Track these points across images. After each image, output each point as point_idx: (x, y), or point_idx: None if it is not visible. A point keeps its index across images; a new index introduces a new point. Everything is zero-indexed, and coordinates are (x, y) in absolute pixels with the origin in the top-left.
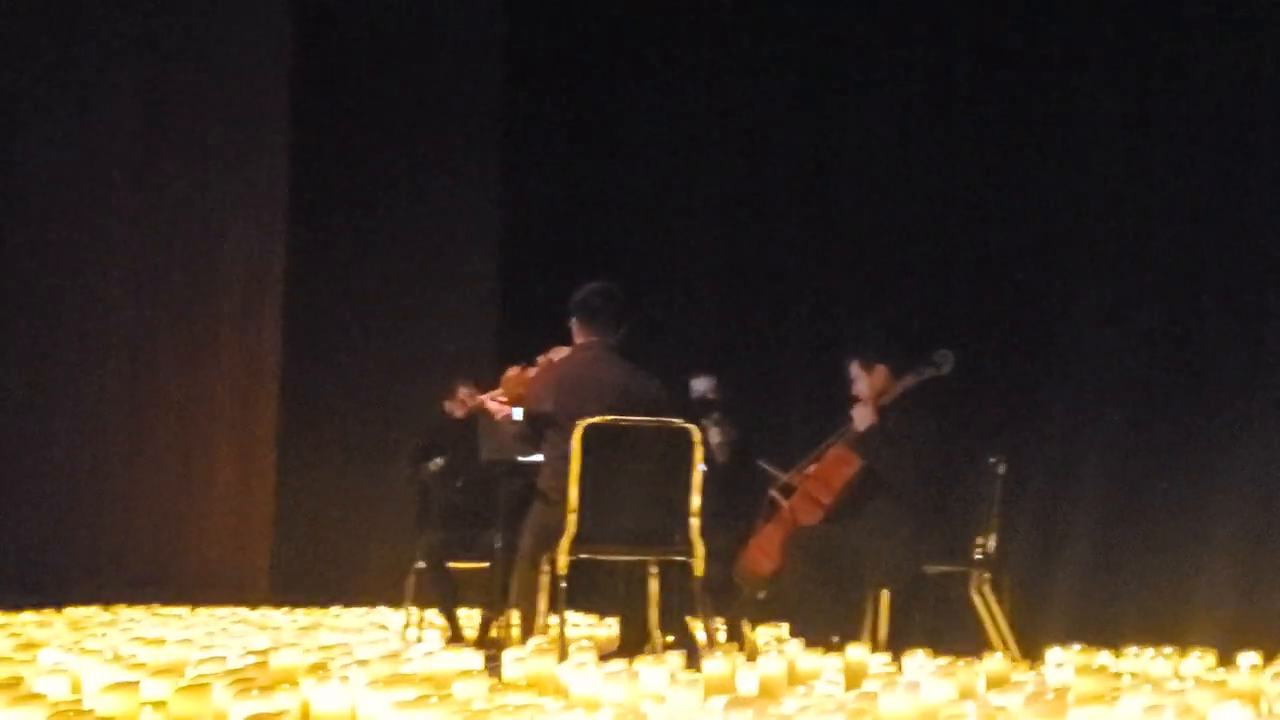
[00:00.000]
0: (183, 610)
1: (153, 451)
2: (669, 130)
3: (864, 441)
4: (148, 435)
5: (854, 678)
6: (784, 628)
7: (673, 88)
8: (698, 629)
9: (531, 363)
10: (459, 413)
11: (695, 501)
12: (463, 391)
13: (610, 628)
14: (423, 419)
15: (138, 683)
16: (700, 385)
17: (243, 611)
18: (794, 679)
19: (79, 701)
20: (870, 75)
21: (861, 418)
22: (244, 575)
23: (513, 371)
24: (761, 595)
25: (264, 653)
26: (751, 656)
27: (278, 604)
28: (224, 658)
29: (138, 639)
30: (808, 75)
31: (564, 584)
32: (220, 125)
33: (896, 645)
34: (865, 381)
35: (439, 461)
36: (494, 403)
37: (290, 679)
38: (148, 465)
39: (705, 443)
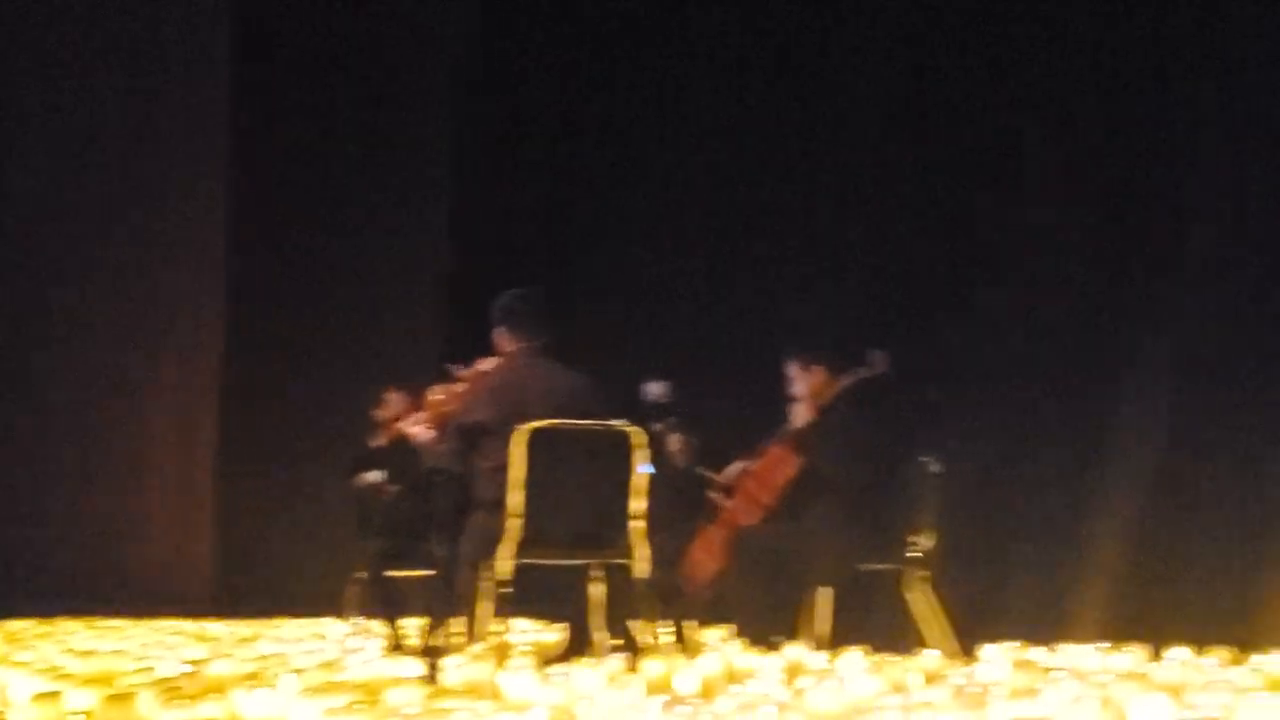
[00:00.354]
0: (122, 623)
1: (94, 465)
2: (616, 138)
3: (802, 440)
4: (88, 449)
5: (794, 676)
6: (729, 629)
7: (620, 97)
8: (642, 632)
9: (455, 380)
10: (381, 440)
11: (637, 504)
12: (393, 399)
13: (560, 633)
14: (360, 430)
15: (60, 693)
16: (654, 389)
17: (183, 624)
18: (733, 678)
19: (3, 713)
20: (812, 85)
21: (799, 416)
22: (186, 588)
23: (438, 390)
24: (706, 597)
25: (199, 663)
26: (695, 658)
27: (219, 616)
28: (153, 668)
29: (70, 651)
30: (748, 87)
31: (506, 590)
32: (159, 141)
33: (836, 644)
34: (803, 382)
35: (376, 475)
36: (415, 427)
37: (222, 689)
38: (89, 479)
39: (662, 447)
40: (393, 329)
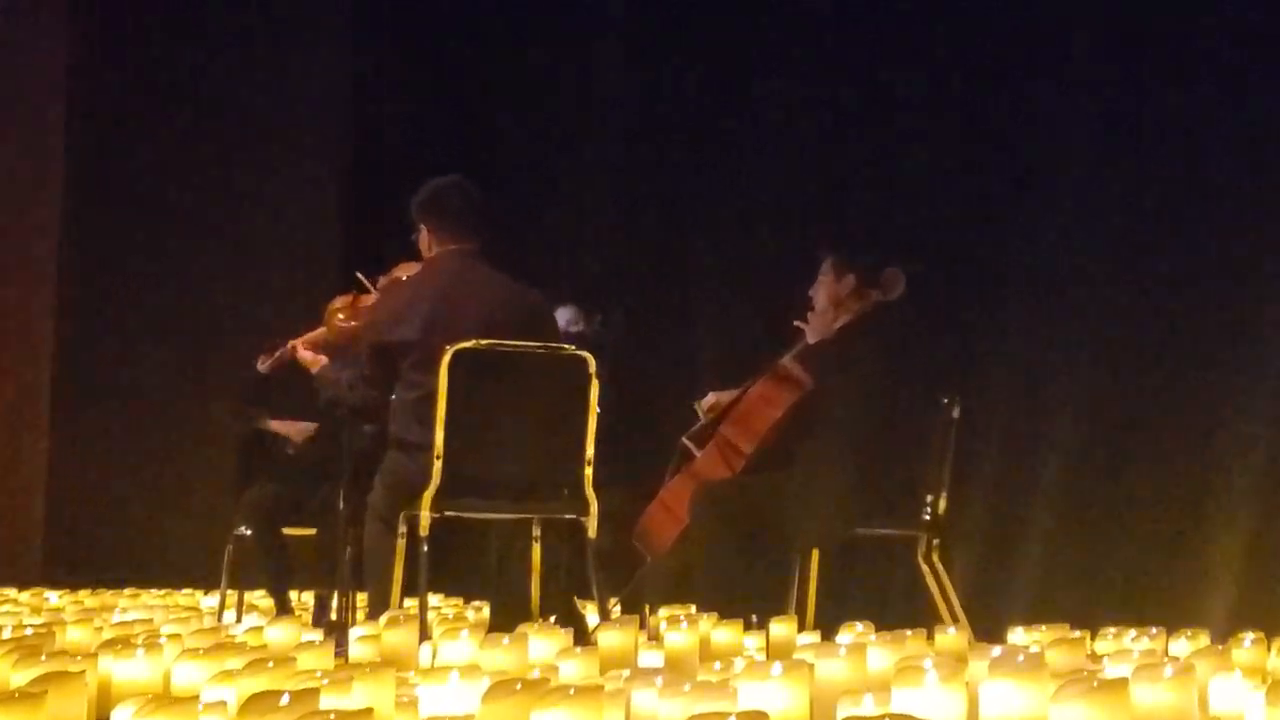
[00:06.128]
0: None
1: None
2: (550, 27)
3: (812, 359)
4: None
5: (778, 655)
6: (692, 609)
7: None
8: (587, 609)
9: (365, 290)
10: (263, 367)
11: (590, 448)
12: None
13: (478, 610)
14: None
15: None
16: (561, 316)
17: (11, 593)
18: (707, 656)
19: None
20: None
21: (814, 330)
22: (12, 556)
23: (340, 302)
24: (668, 565)
25: (47, 627)
26: (654, 638)
27: (55, 586)
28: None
29: None
30: None
31: (425, 548)
32: None
33: (826, 621)
34: (829, 288)
35: (308, 427)
36: (307, 351)
37: (83, 652)
38: None
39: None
40: (276, 239)
